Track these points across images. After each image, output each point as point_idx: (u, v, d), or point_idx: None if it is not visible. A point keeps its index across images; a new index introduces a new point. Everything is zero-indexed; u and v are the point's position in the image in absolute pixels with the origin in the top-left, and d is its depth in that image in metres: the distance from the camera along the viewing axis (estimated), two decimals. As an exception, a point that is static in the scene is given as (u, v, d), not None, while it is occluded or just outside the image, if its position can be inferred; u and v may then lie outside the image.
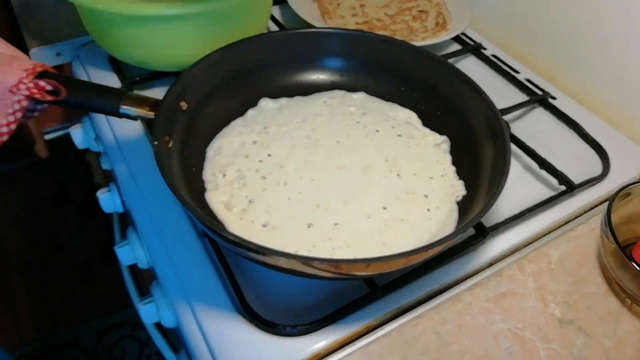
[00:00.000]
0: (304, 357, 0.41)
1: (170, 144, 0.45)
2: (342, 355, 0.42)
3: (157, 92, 0.63)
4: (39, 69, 0.42)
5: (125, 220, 0.62)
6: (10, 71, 0.40)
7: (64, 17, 0.72)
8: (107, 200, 0.61)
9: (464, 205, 0.48)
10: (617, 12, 0.61)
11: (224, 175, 0.49)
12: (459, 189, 0.49)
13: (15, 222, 1.36)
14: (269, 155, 0.51)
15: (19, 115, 0.42)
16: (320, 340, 0.41)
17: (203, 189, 0.47)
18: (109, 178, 0.64)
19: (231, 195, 0.47)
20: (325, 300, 0.44)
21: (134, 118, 0.45)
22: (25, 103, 0.41)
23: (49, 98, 0.42)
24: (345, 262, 0.38)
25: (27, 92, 0.41)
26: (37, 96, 0.41)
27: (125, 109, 0.44)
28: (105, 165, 0.63)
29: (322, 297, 0.45)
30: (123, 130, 0.59)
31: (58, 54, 0.71)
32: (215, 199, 0.47)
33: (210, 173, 0.49)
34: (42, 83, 0.41)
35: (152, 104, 0.45)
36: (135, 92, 0.44)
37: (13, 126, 0.42)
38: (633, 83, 0.62)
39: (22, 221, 1.36)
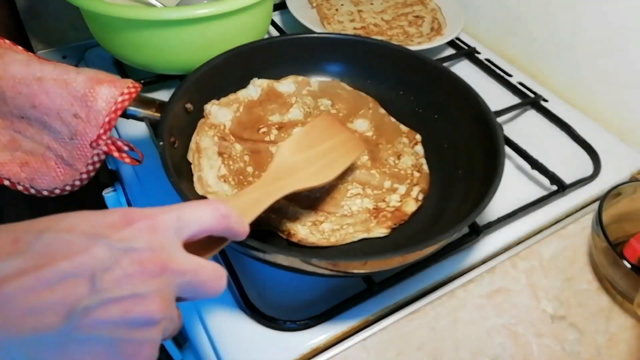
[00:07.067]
0: (304, 351, 0.42)
1: (176, 145, 0.47)
2: (340, 349, 0.42)
3: (162, 95, 0.64)
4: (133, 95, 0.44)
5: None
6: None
7: (69, 21, 0.73)
8: (113, 199, 0.62)
9: (459, 205, 0.49)
10: (608, 17, 0.62)
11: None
12: (453, 190, 0.51)
13: (19, 220, 1.36)
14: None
15: (97, 165, 0.44)
16: (319, 335, 0.42)
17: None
18: (114, 178, 0.65)
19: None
20: (324, 296, 0.45)
21: (141, 119, 0.46)
22: (103, 156, 0.44)
23: (127, 160, 0.44)
24: (343, 260, 0.39)
25: (105, 149, 0.43)
26: (115, 155, 0.43)
27: (132, 109, 0.45)
28: (111, 166, 0.64)
29: (321, 294, 0.46)
30: (128, 131, 0.60)
31: (64, 57, 0.72)
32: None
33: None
34: (120, 143, 0.43)
35: (159, 105, 0.46)
36: (141, 94, 0.46)
37: (92, 174, 0.44)
38: (623, 85, 0.63)
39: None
